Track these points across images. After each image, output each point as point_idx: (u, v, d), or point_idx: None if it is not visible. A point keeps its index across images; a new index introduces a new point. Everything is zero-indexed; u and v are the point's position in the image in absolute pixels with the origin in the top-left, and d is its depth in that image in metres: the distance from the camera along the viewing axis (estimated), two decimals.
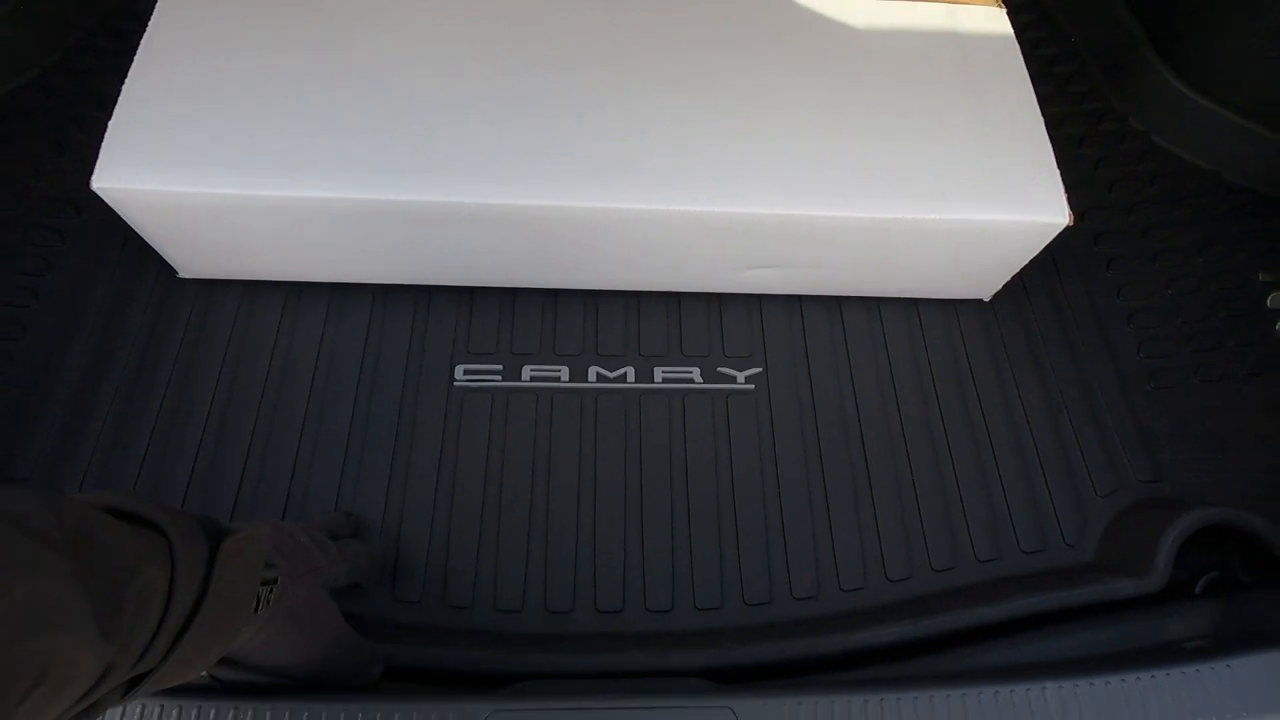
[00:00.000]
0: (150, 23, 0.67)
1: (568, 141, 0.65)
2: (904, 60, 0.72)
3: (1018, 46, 0.74)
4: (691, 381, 0.74)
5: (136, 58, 0.65)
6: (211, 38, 0.67)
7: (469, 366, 0.73)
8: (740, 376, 0.74)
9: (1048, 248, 0.70)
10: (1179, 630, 0.58)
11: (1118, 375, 0.77)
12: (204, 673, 0.41)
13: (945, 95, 0.70)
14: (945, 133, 0.68)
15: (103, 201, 0.61)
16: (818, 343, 0.77)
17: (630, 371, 0.74)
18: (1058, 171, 0.68)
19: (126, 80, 0.64)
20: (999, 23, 0.76)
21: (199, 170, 0.60)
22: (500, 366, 0.73)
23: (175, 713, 0.44)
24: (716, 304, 0.78)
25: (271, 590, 0.40)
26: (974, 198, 0.66)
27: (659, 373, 0.74)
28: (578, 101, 0.66)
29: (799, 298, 0.78)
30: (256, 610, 0.39)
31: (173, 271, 0.74)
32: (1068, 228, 0.67)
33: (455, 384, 0.72)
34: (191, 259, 0.71)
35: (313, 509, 0.65)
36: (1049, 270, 0.83)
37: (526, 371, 0.73)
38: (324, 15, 0.69)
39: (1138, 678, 0.46)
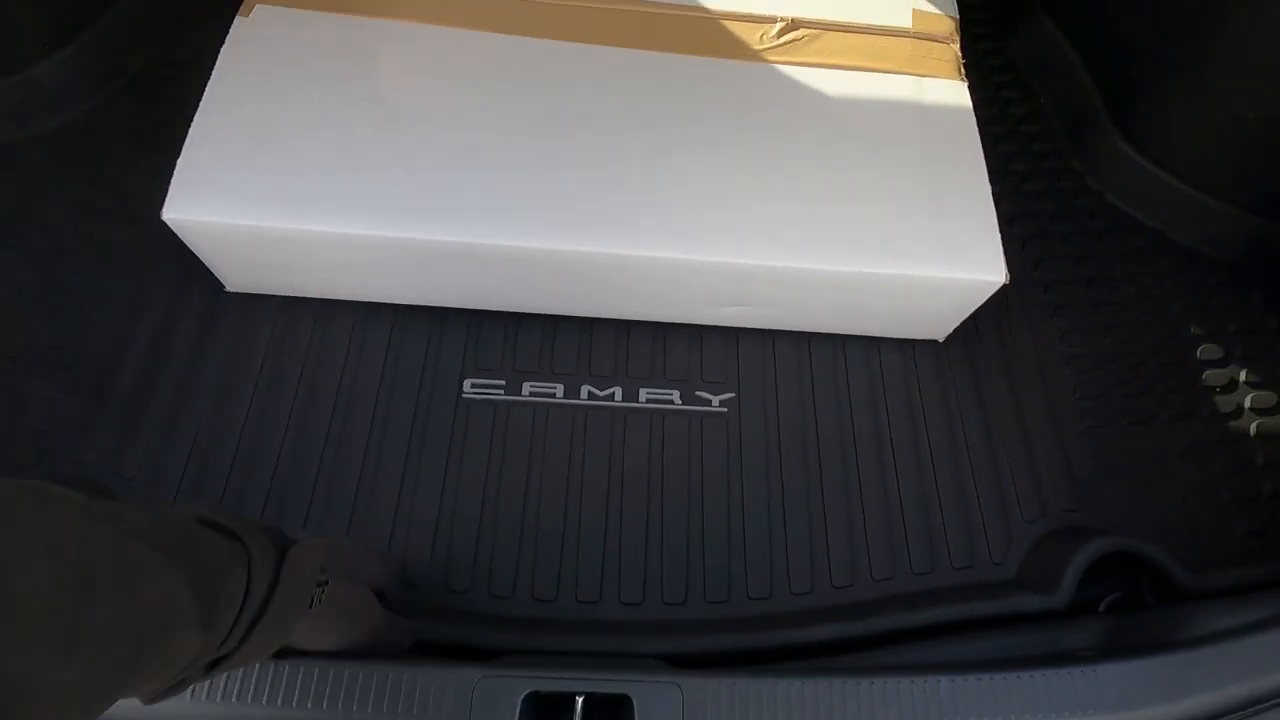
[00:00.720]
0: (215, 69, 0.77)
1: (570, 193, 0.74)
2: (869, 128, 0.82)
3: (974, 119, 0.84)
4: (672, 403, 0.84)
5: (203, 100, 0.75)
6: (269, 84, 0.77)
7: (476, 380, 0.83)
8: (715, 400, 0.84)
9: (1002, 293, 0.79)
10: (1074, 641, 0.67)
11: (1051, 413, 0.86)
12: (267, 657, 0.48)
13: (903, 161, 0.80)
14: (900, 196, 0.78)
15: (158, 221, 0.71)
16: (786, 373, 0.86)
17: (618, 391, 0.84)
18: (999, 235, 0.77)
19: (194, 121, 0.74)
20: (960, 95, 0.85)
21: (256, 205, 0.71)
22: (503, 382, 0.83)
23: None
24: (698, 335, 0.87)
25: (323, 590, 0.48)
26: (921, 256, 0.75)
27: (643, 393, 0.84)
28: (580, 159, 0.76)
29: (771, 333, 0.88)
30: (311, 606, 0.47)
31: (220, 286, 0.84)
32: (1008, 283, 0.76)
33: (463, 395, 0.82)
34: (239, 276, 0.81)
35: (335, 500, 0.75)
36: (1000, 315, 0.92)
37: (526, 387, 0.83)
38: (371, 69, 0.79)
39: (1019, 676, 0.56)
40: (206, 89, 0.76)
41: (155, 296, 0.84)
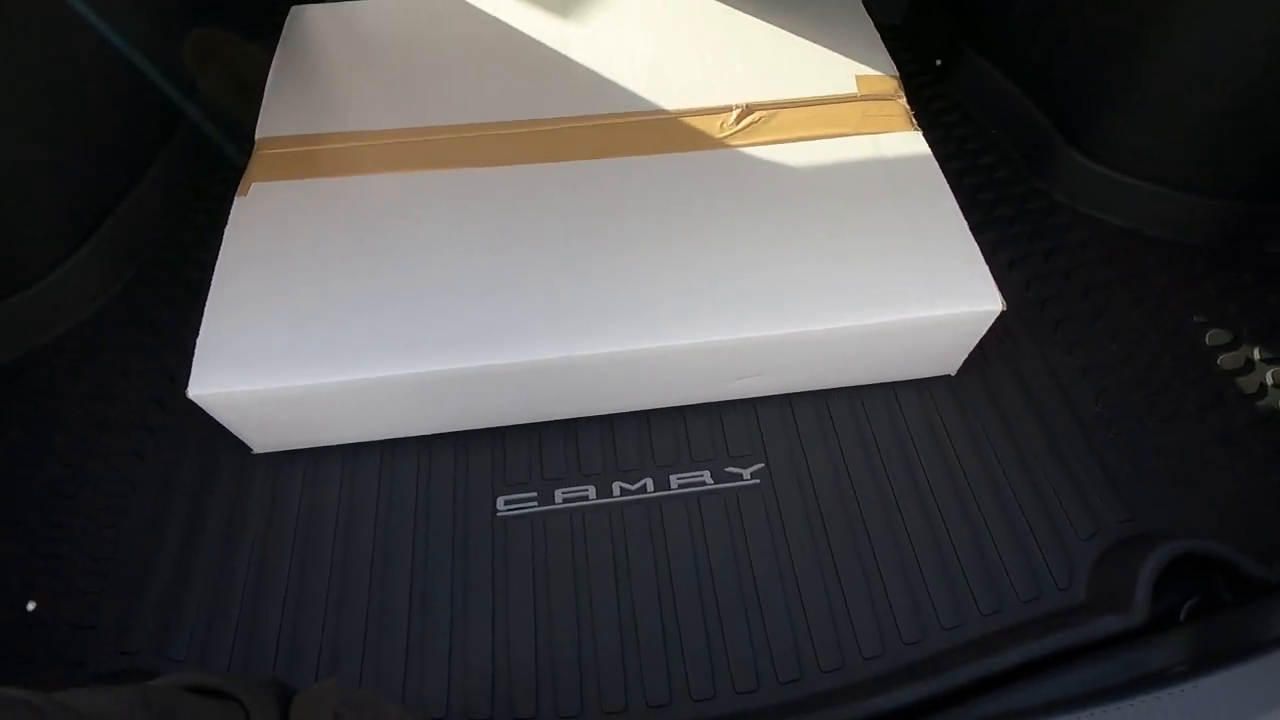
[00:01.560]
0: (221, 247, 0.82)
1: (571, 300, 0.77)
2: (839, 188, 0.86)
3: (935, 163, 0.88)
4: (704, 483, 0.84)
5: (214, 277, 0.79)
6: (273, 253, 0.81)
7: (509, 497, 0.83)
8: (746, 473, 0.84)
9: (1001, 319, 0.80)
10: (1163, 659, 0.65)
11: (1079, 426, 0.86)
12: None
13: (878, 214, 0.83)
14: (883, 246, 0.81)
15: (182, 395, 0.73)
16: (810, 435, 0.87)
17: (649, 482, 0.84)
18: (985, 265, 0.79)
19: (208, 299, 0.78)
20: (917, 144, 0.89)
21: (277, 368, 0.73)
22: (535, 493, 0.83)
23: None
24: (717, 412, 0.88)
25: None
26: (916, 297, 0.77)
27: (674, 480, 0.84)
28: (575, 267, 0.80)
29: (789, 397, 0.89)
30: None
31: (247, 449, 0.85)
32: (1005, 310, 0.78)
33: (498, 514, 0.82)
34: (266, 438, 0.83)
35: (387, 644, 0.74)
36: (1004, 340, 0.93)
37: (559, 495, 0.83)
38: (363, 222, 0.84)
39: (1118, 708, 0.54)
40: (215, 266, 0.80)
41: (186, 474, 0.85)
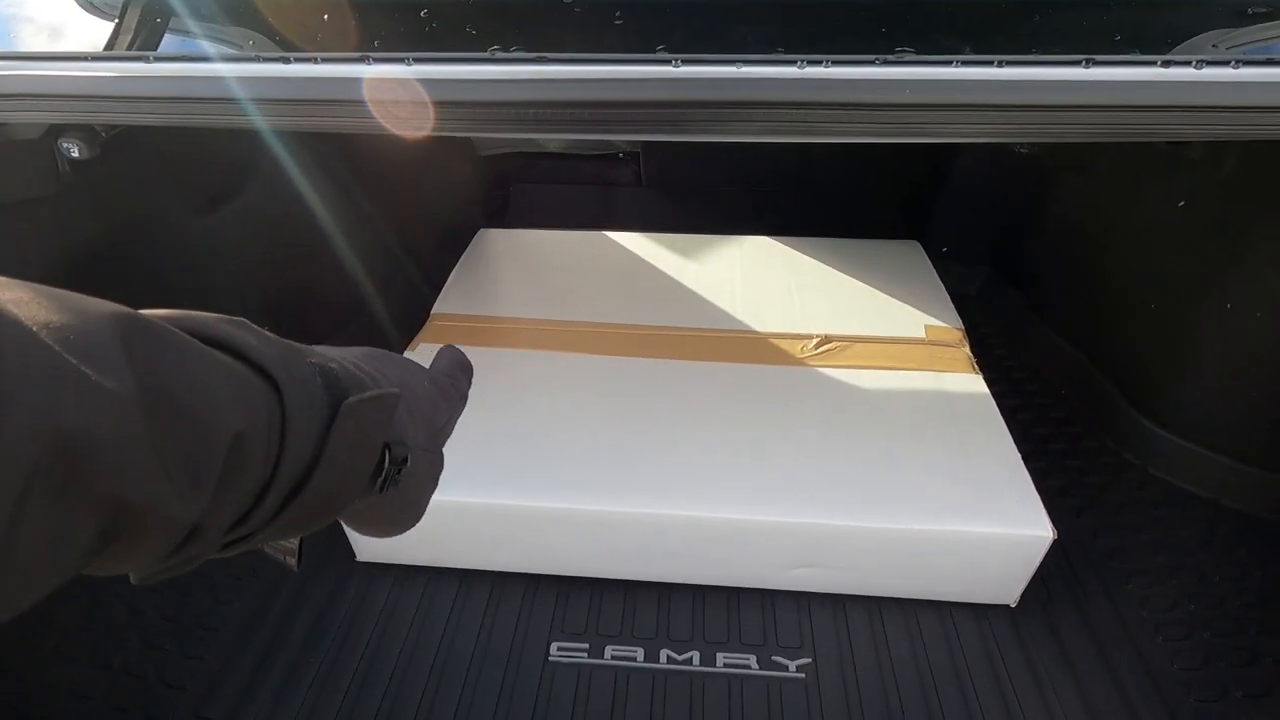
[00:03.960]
0: None
1: (666, 469, 0.90)
2: (903, 412, 0.97)
3: (993, 401, 0.98)
4: (749, 668, 0.85)
5: None
6: None
7: (562, 644, 0.89)
8: (792, 665, 0.85)
9: (1067, 560, 0.83)
10: None
11: (1155, 686, 0.82)
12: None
13: (936, 438, 0.92)
14: (939, 466, 0.89)
15: None
16: (860, 639, 0.88)
17: (696, 655, 0.87)
18: (1037, 495, 0.85)
19: None
20: (976, 384, 1.01)
21: None
22: (587, 645, 0.88)
23: None
24: (770, 600, 0.92)
25: (399, 469, 0.35)
26: (965, 514, 0.83)
27: (720, 658, 0.86)
28: (669, 443, 0.93)
29: (842, 598, 0.92)
30: (379, 487, 0.34)
31: (351, 555, 0.98)
32: (1058, 539, 0.81)
33: (549, 659, 0.87)
34: (375, 547, 0.95)
35: None
36: (1071, 582, 0.93)
37: (608, 651, 0.88)
38: (504, 382, 1.03)
39: None
40: None
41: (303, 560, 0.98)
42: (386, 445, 0.34)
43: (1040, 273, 1.34)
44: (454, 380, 0.47)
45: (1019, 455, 0.91)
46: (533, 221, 1.49)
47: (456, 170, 1.55)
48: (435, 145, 1.34)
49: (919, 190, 1.52)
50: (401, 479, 0.35)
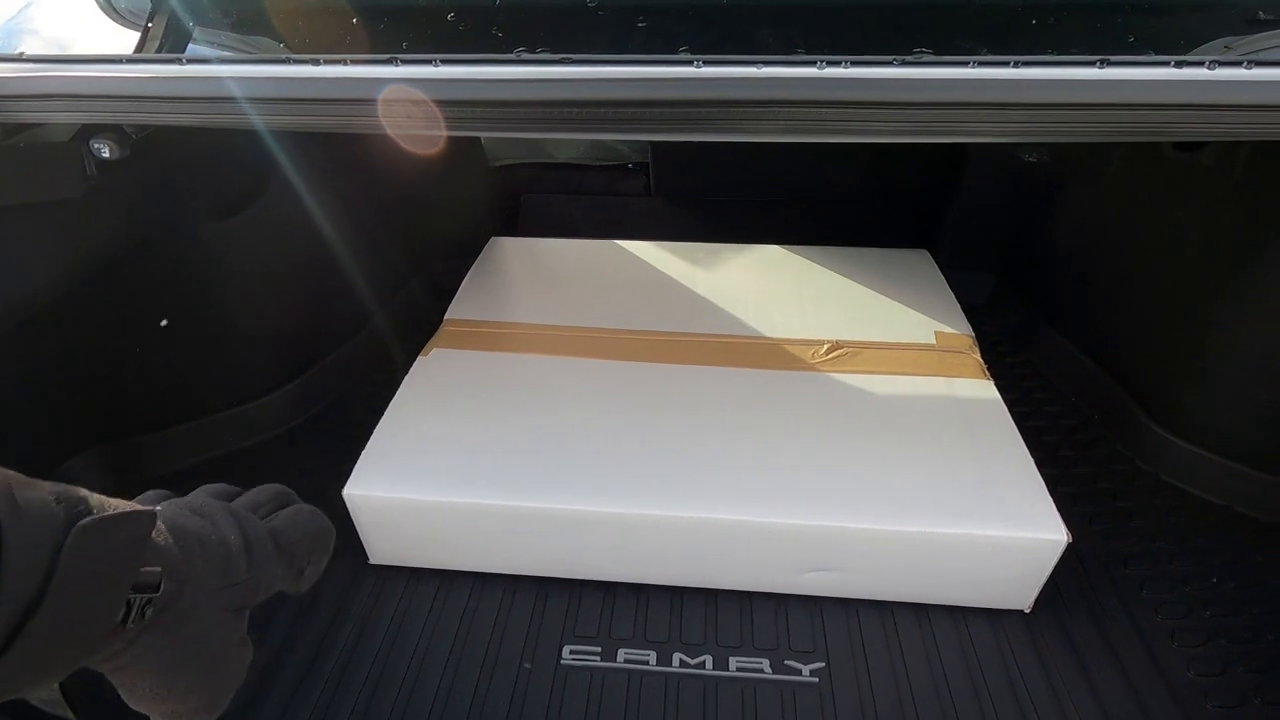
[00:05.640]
0: (400, 389, 1.03)
1: (676, 471, 0.90)
2: (915, 416, 0.97)
3: (1004, 407, 0.98)
4: (762, 671, 0.85)
5: (388, 409, 0.99)
6: (439, 400, 1.02)
7: (575, 647, 0.88)
8: (805, 669, 0.85)
9: (1081, 566, 0.82)
10: None
11: (1173, 693, 0.82)
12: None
13: (949, 442, 0.93)
14: (952, 469, 0.89)
15: (320, 506, 0.87)
16: (874, 643, 0.87)
17: (709, 660, 0.87)
18: (1050, 497, 0.85)
19: (379, 425, 0.97)
20: (987, 390, 1.01)
21: (420, 485, 0.89)
22: (599, 649, 0.88)
23: None
24: (782, 604, 0.92)
25: (150, 601, 0.31)
26: (978, 516, 0.83)
27: (733, 662, 0.86)
28: (680, 446, 0.93)
29: (855, 602, 0.92)
30: (125, 622, 0.31)
31: (364, 558, 0.98)
32: (1071, 542, 0.81)
33: (562, 662, 0.87)
34: (386, 548, 0.95)
35: None
36: (1085, 588, 0.93)
37: (621, 654, 0.87)
38: (517, 386, 1.04)
39: None
40: (392, 402, 1.01)
41: None
42: (142, 587, 0.31)
43: (1050, 281, 1.34)
44: (298, 552, 0.43)
45: (1031, 459, 0.91)
46: (543, 232, 1.50)
47: (468, 180, 1.56)
48: (447, 155, 1.35)
49: (928, 201, 1.53)
50: (168, 620, 0.32)
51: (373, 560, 0.98)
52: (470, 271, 1.34)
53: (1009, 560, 0.84)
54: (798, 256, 1.36)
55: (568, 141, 1.72)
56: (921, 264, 1.33)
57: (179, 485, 0.45)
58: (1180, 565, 0.96)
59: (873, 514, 0.84)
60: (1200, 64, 0.47)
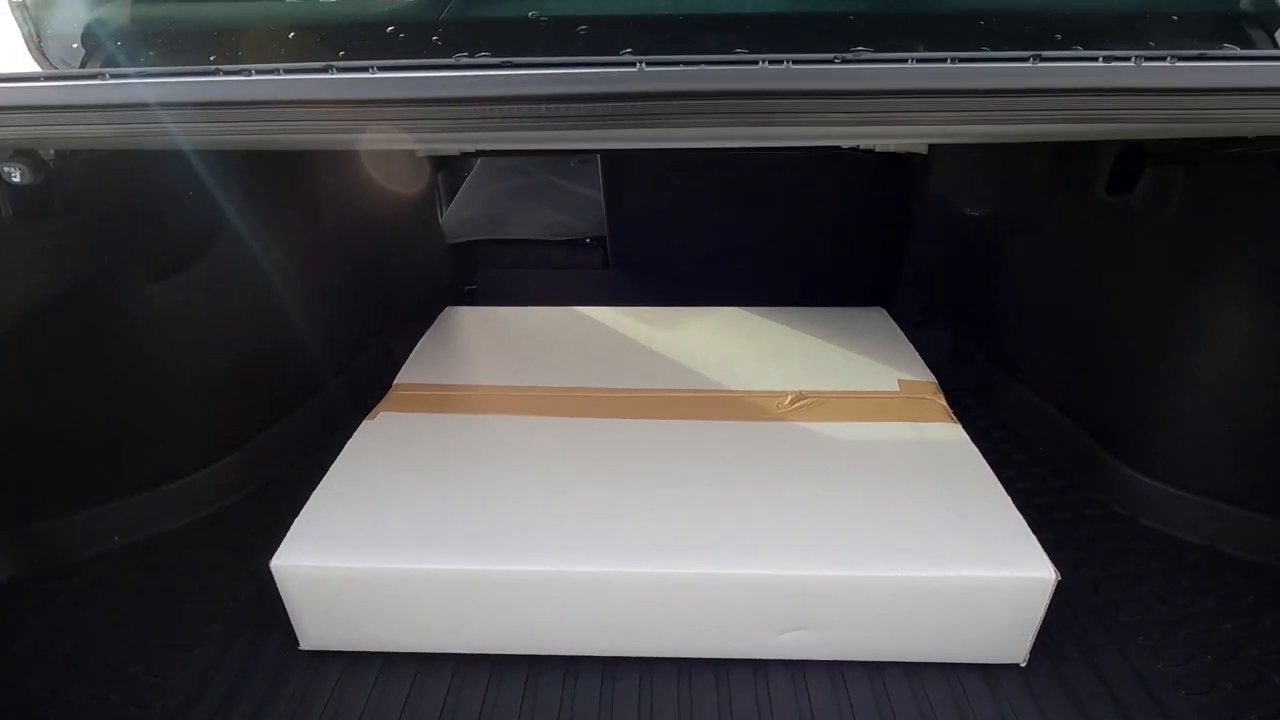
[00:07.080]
0: (341, 455, 0.96)
1: (636, 528, 0.84)
2: (887, 463, 0.93)
3: (975, 448, 0.95)
4: None
5: (326, 476, 0.92)
6: (384, 465, 0.94)
7: None
8: None
9: (1071, 611, 0.77)
10: None
11: None
12: None
13: (924, 486, 0.89)
14: (930, 513, 0.85)
15: (254, 588, 0.79)
16: (864, 712, 0.79)
17: None
18: (1034, 537, 0.81)
19: (314, 493, 0.89)
20: (955, 432, 0.98)
21: (354, 553, 0.81)
22: None
23: None
24: (763, 671, 0.83)
25: None
26: (962, 558, 0.79)
27: None
28: (644, 501, 0.87)
29: (840, 666, 0.84)
30: None
31: (294, 644, 0.87)
32: (1065, 595, 0.76)
33: None
34: (318, 630, 0.85)
35: None
36: (1078, 636, 0.87)
37: None
38: (460, 450, 0.97)
39: None
40: (331, 467, 0.94)
41: (233, 656, 0.86)
42: None
43: (1006, 333, 1.36)
44: None
45: (1009, 499, 0.87)
46: (501, 304, 1.48)
47: (425, 252, 1.55)
48: (404, 223, 1.35)
49: (881, 264, 1.57)
50: None
51: (304, 646, 0.87)
52: (423, 338, 1.29)
53: (998, 604, 0.79)
54: (757, 316, 1.36)
55: (524, 218, 1.74)
56: (879, 320, 1.34)
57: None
58: (1171, 609, 0.92)
59: (851, 561, 0.79)
60: (1128, 59, 0.48)
